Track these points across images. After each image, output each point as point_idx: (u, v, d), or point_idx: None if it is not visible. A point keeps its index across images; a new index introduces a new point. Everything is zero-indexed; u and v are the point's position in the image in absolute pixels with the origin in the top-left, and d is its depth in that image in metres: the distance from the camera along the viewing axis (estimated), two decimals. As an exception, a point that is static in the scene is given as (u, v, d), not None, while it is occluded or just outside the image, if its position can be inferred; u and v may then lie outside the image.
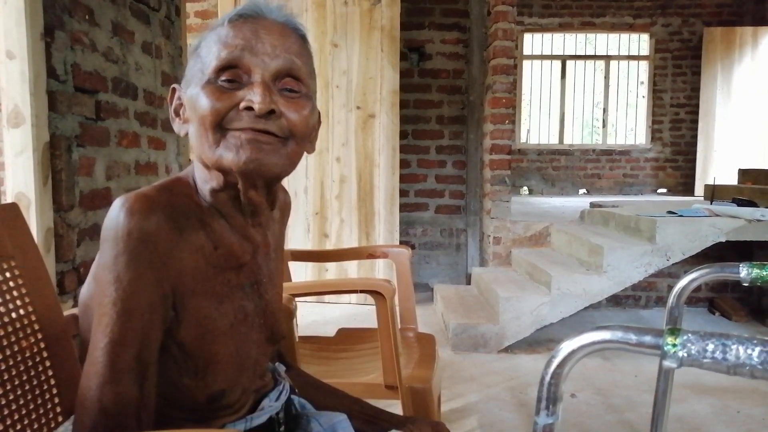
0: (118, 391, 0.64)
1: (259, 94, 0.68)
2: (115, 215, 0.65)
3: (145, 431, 0.66)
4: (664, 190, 6.53)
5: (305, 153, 0.77)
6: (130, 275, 0.65)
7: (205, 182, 0.75)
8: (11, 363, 0.79)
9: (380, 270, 3.75)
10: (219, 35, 0.71)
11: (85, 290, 0.76)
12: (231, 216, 0.76)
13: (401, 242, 3.95)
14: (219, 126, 0.69)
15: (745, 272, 1.12)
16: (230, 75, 0.70)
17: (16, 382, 0.79)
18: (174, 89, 0.78)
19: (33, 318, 0.83)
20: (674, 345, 0.54)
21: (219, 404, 0.75)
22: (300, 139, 0.73)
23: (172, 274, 0.68)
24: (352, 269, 3.75)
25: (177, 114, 0.77)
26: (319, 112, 0.81)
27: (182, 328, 0.70)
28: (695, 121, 6.33)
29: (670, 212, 3.06)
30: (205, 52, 0.72)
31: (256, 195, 0.75)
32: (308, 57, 0.76)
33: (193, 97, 0.71)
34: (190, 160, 2.77)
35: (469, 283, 4.05)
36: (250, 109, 0.68)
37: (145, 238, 0.65)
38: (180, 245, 0.69)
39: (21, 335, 0.81)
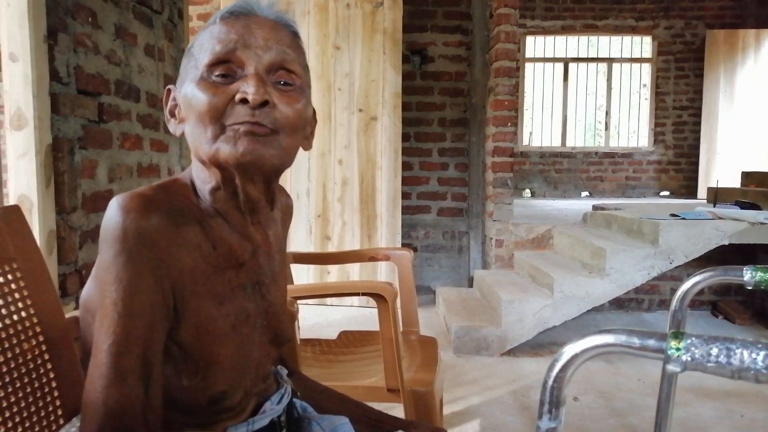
0: (123, 393, 0.64)
1: (253, 85, 0.68)
2: (112, 215, 0.65)
3: None
4: (666, 193, 6.52)
5: (303, 150, 0.77)
6: (130, 274, 0.64)
7: (204, 182, 0.75)
8: (13, 365, 0.79)
9: (382, 272, 3.74)
10: (211, 32, 0.72)
11: (85, 291, 0.76)
12: (230, 215, 0.75)
13: (403, 245, 3.95)
14: (218, 121, 0.69)
15: (748, 275, 1.11)
16: (223, 70, 0.70)
17: (18, 385, 0.79)
18: (169, 90, 0.78)
19: (35, 320, 0.83)
20: (678, 349, 0.54)
21: (220, 406, 0.75)
22: (292, 131, 0.73)
23: (172, 272, 0.67)
24: (354, 272, 3.75)
25: (172, 115, 0.77)
26: (314, 109, 0.81)
27: (182, 328, 0.69)
28: (698, 124, 6.31)
29: (673, 215, 3.06)
30: (198, 49, 0.72)
31: (254, 189, 0.75)
32: (301, 51, 0.76)
33: (188, 94, 0.71)
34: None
35: (471, 285, 4.04)
36: (245, 101, 0.68)
37: (142, 237, 0.65)
38: (178, 244, 0.68)
39: (23, 337, 0.81)
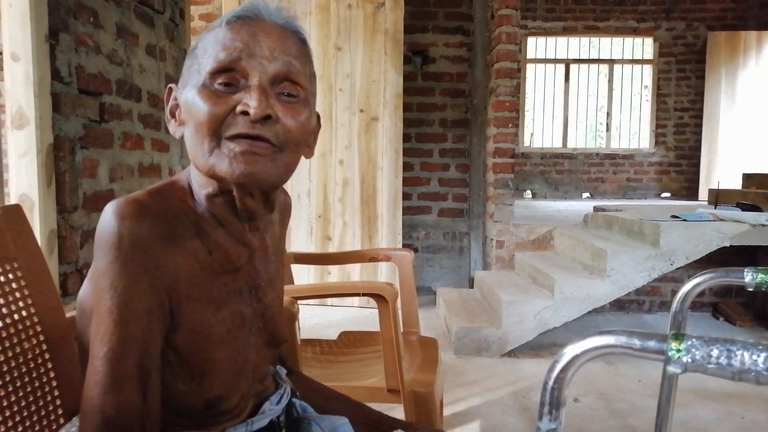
0: (120, 400, 0.63)
1: (256, 98, 0.67)
2: (106, 221, 0.64)
3: None
4: (667, 194, 6.51)
5: (305, 158, 0.76)
6: (125, 281, 0.64)
7: (201, 187, 0.73)
8: (13, 364, 0.79)
9: (383, 273, 3.74)
10: (216, 37, 0.70)
11: (82, 292, 0.76)
12: (227, 221, 0.74)
13: (404, 245, 3.95)
14: (216, 133, 0.68)
15: (749, 277, 1.11)
16: (227, 78, 0.68)
17: (18, 384, 0.79)
18: (170, 89, 0.76)
19: (35, 320, 0.83)
20: (678, 350, 0.54)
21: (216, 410, 0.75)
22: (295, 146, 0.72)
23: (167, 278, 0.67)
24: (354, 272, 3.75)
25: (173, 115, 0.76)
26: (319, 116, 0.80)
27: (178, 334, 0.69)
28: (699, 125, 6.31)
29: (674, 216, 3.05)
30: (202, 53, 0.70)
31: (252, 203, 0.73)
32: (308, 60, 0.74)
33: (189, 100, 0.70)
34: (193, 162, 2.78)
35: (471, 286, 4.04)
36: (246, 113, 0.67)
37: (137, 243, 0.64)
38: (173, 250, 0.67)
39: (23, 337, 0.81)
